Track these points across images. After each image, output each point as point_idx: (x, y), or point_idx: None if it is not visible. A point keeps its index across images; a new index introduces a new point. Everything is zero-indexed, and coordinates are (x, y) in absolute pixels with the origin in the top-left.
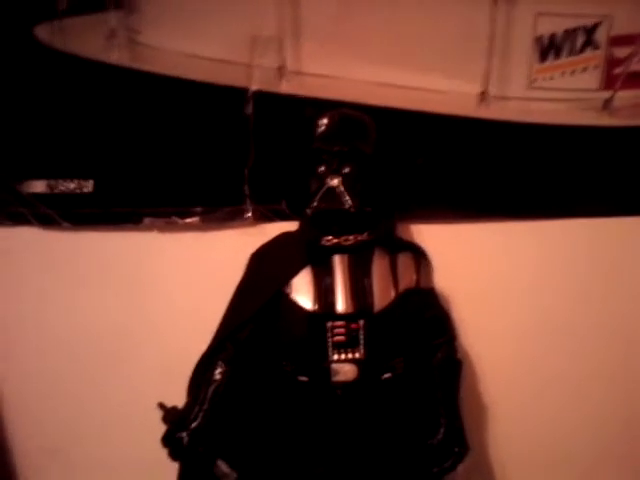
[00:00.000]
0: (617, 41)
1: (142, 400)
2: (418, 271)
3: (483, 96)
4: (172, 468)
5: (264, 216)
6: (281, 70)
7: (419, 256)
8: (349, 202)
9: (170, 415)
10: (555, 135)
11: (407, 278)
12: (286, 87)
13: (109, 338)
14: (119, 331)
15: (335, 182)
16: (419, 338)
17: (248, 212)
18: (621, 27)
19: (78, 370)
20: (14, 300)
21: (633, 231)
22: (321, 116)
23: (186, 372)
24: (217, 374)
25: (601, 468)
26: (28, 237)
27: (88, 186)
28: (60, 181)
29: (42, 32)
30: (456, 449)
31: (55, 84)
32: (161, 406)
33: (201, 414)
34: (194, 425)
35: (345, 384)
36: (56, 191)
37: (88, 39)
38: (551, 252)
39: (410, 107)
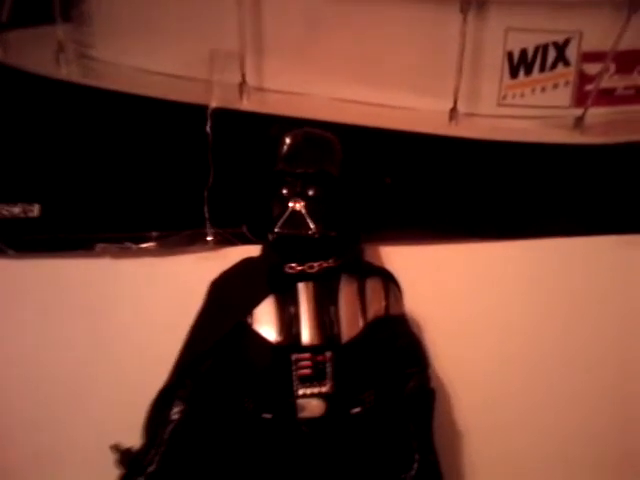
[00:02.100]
0: (588, 58)
1: (97, 434)
2: (387, 297)
3: (452, 113)
4: None
5: (225, 240)
6: (242, 86)
7: (388, 281)
8: (313, 228)
9: (125, 458)
10: (526, 153)
11: (376, 305)
12: (247, 104)
13: (62, 371)
14: (72, 363)
15: (298, 206)
16: (390, 368)
17: (208, 236)
18: (592, 43)
19: (25, 402)
20: None
21: (604, 249)
22: (285, 136)
23: (144, 405)
24: (175, 413)
25: None
26: None
27: (34, 210)
28: (3, 205)
29: None
30: None
31: None
32: (115, 448)
33: (157, 457)
34: (151, 469)
35: (312, 420)
36: None
37: (34, 53)
38: (523, 272)
39: (378, 124)
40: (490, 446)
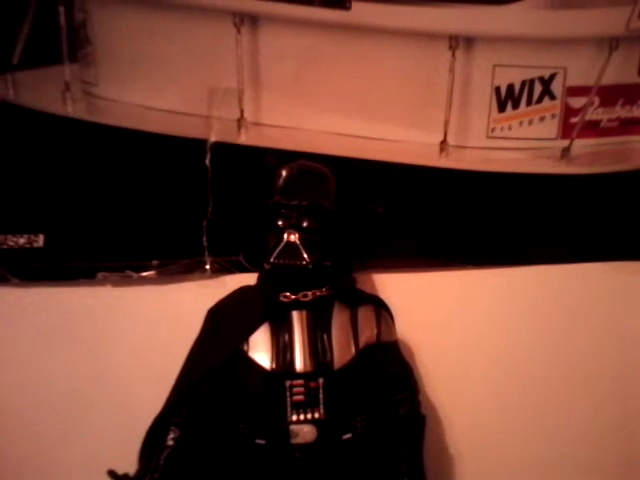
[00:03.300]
0: (573, 92)
1: (94, 460)
2: (379, 324)
3: (443, 146)
4: None
5: (223, 268)
6: (240, 121)
7: (379, 309)
8: (307, 258)
9: None
10: (515, 183)
11: (367, 332)
12: (245, 138)
13: (63, 398)
14: (73, 391)
15: (293, 237)
16: (381, 394)
17: (207, 264)
18: (576, 78)
19: (28, 433)
20: None
21: (591, 276)
22: (280, 169)
23: (143, 430)
24: (170, 439)
25: None
26: None
27: (38, 241)
28: (9, 236)
29: None
30: None
31: (4, 136)
32: (111, 473)
33: None
34: None
35: (304, 446)
36: (4, 247)
37: (42, 92)
38: (513, 299)
39: (370, 157)
40: (482, 471)
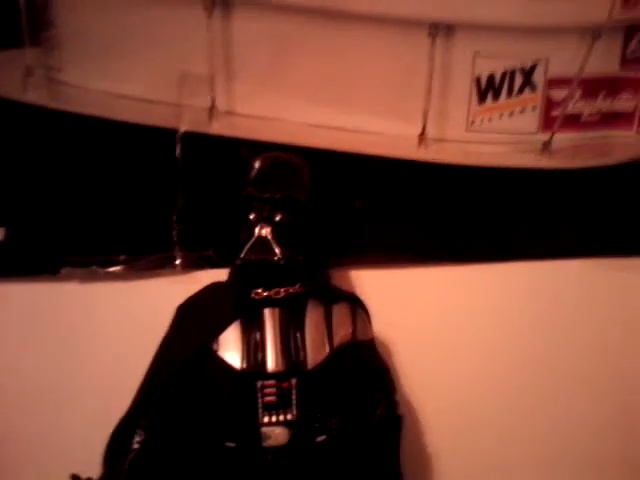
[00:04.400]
0: (554, 83)
1: (59, 463)
2: (354, 322)
3: (421, 138)
4: None
5: (194, 263)
6: (212, 110)
7: (355, 306)
8: (278, 253)
9: None
10: (495, 177)
11: (343, 331)
12: (217, 128)
13: (25, 397)
14: (38, 390)
15: (264, 232)
16: (357, 395)
17: (177, 259)
18: (558, 69)
19: None
20: None
21: (570, 272)
22: (254, 160)
23: (108, 433)
24: (135, 443)
25: None
26: None
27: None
28: None
29: None
30: None
31: None
32: (75, 478)
33: None
34: None
35: (276, 449)
36: None
37: (3, 77)
38: (491, 296)
39: (347, 149)
40: (460, 470)
